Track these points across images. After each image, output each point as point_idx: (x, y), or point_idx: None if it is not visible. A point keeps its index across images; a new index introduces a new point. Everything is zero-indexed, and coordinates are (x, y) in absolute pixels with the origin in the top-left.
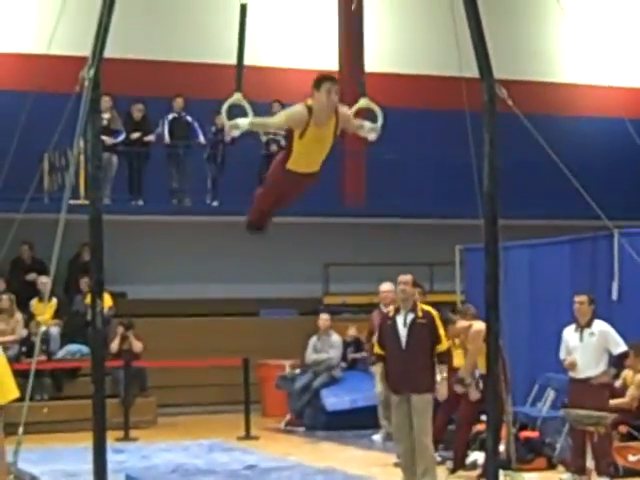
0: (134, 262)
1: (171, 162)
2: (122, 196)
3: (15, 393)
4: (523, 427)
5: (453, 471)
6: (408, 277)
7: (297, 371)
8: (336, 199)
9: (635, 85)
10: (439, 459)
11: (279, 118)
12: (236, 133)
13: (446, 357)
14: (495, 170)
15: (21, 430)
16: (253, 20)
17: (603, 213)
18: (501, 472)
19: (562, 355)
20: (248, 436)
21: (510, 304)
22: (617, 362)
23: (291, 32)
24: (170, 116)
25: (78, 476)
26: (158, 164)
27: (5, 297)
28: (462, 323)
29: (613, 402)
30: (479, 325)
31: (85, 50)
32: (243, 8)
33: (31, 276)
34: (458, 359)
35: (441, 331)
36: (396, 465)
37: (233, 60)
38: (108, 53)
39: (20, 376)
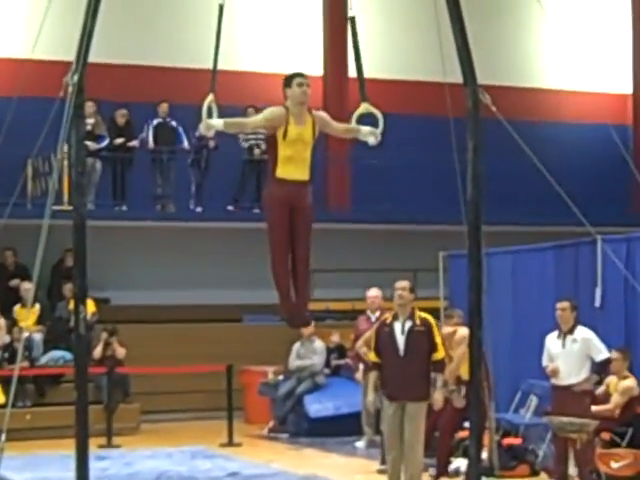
0: (118, 268)
1: (155, 168)
2: (106, 202)
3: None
4: (506, 434)
5: (436, 478)
6: (405, 283)
7: (280, 377)
8: (320, 205)
9: (618, 91)
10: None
11: (257, 118)
12: (210, 133)
13: (443, 366)
14: (479, 176)
15: (3, 437)
16: (238, 26)
17: (586, 219)
18: (484, 479)
19: (545, 362)
20: (231, 443)
21: (493, 310)
22: (599, 369)
23: (276, 38)
24: (155, 121)
25: None
26: (142, 170)
27: None
28: (446, 329)
29: (595, 408)
30: (463, 331)
31: (69, 55)
32: (221, 8)
33: (14, 282)
34: None
35: (438, 339)
36: (379, 472)
37: (219, 66)
38: (92, 58)
39: (2, 382)
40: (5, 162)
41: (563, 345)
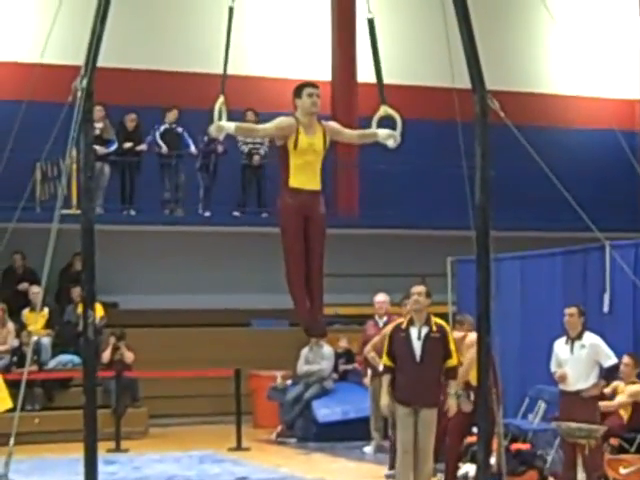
0: (126, 272)
1: (163, 172)
2: (114, 206)
3: (8, 403)
4: (514, 439)
5: None
6: (421, 288)
7: (289, 382)
8: (328, 210)
9: (626, 97)
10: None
11: (268, 125)
12: (220, 136)
13: (456, 372)
14: (487, 182)
15: (12, 441)
16: (246, 31)
17: (595, 225)
18: None
19: (553, 368)
20: (239, 447)
21: (501, 316)
22: (608, 375)
23: (285, 43)
24: (162, 127)
25: None
26: (150, 174)
27: None
28: (457, 334)
29: (602, 404)
30: (474, 336)
31: (78, 59)
32: (231, 11)
33: (22, 286)
34: None
35: (452, 346)
36: (388, 477)
37: (227, 70)
38: (101, 62)
39: (11, 386)
40: (14, 166)
41: (571, 351)
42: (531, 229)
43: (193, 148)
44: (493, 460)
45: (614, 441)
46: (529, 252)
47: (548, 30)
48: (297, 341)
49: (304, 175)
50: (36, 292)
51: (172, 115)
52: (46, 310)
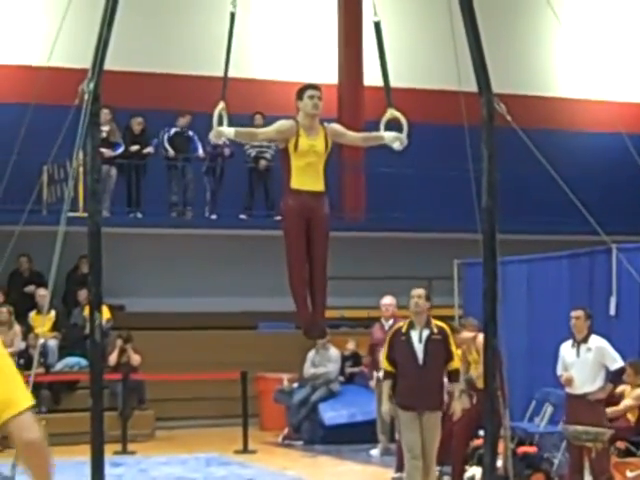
0: (133, 275)
1: (170, 175)
2: (121, 209)
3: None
4: (521, 442)
5: None
6: (421, 291)
7: (295, 385)
8: (335, 213)
9: (633, 100)
10: (436, 474)
11: (268, 129)
12: (220, 141)
13: (458, 375)
14: (494, 185)
15: None
16: (253, 34)
17: (601, 228)
18: None
19: (559, 371)
20: (246, 450)
21: (508, 319)
22: (614, 378)
23: (291, 46)
24: (172, 130)
25: None
26: (157, 177)
27: (4, 309)
28: (467, 334)
29: (609, 410)
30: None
31: (85, 62)
32: (232, 17)
33: (29, 288)
34: None
35: (454, 348)
36: None
37: (232, 73)
38: (108, 65)
39: None
40: (21, 169)
41: (577, 354)
42: (538, 232)
43: (201, 151)
44: (499, 463)
45: (621, 444)
46: (536, 255)
47: (555, 33)
48: (304, 344)
49: (306, 176)
50: (43, 294)
51: (184, 120)
52: (53, 313)
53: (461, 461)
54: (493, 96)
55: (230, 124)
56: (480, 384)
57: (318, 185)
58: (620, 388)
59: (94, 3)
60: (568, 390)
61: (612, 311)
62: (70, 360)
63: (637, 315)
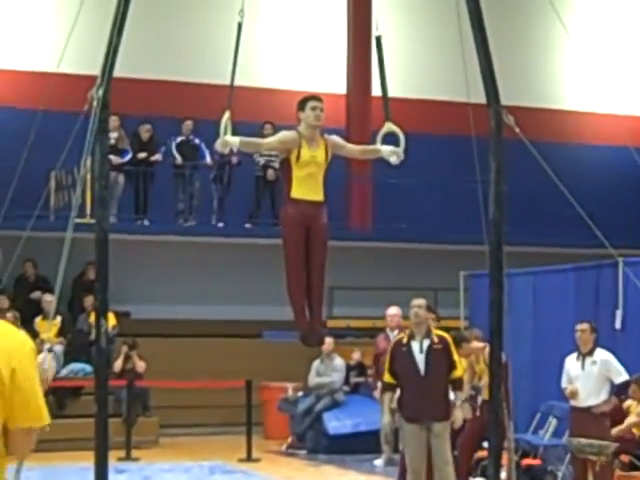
0: (139, 282)
1: (177, 183)
2: (128, 215)
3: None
4: (525, 455)
5: None
6: (421, 301)
7: (300, 394)
8: (341, 223)
9: None
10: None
11: (271, 140)
12: (226, 150)
13: (462, 383)
14: (501, 197)
15: None
16: (263, 43)
17: (608, 242)
18: None
19: (564, 383)
20: (249, 458)
21: (513, 331)
22: (619, 391)
23: (301, 55)
24: (178, 139)
25: None
26: (164, 184)
27: (9, 315)
28: (477, 343)
29: (613, 431)
30: None
31: (95, 69)
32: (239, 26)
33: (35, 294)
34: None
35: (456, 357)
36: None
37: (242, 82)
38: (117, 72)
39: None
40: (29, 175)
41: (582, 367)
42: (544, 245)
43: (208, 159)
44: (503, 475)
45: (625, 458)
46: (542, 268)
47: (563, 46)
48: (309, 353)
49: (306, 186)
50: (49, 300)
51: (187, 126)
52: (59, 318)
53: (465, 472)
54: (501, 108)
55: (239, 133)
56: (486, 395)
57: (318, 195)
58: (626, 403)
59: (104, 10)
60: (573, 403)
61: (618, 324)
62: (75, 366)
63: None
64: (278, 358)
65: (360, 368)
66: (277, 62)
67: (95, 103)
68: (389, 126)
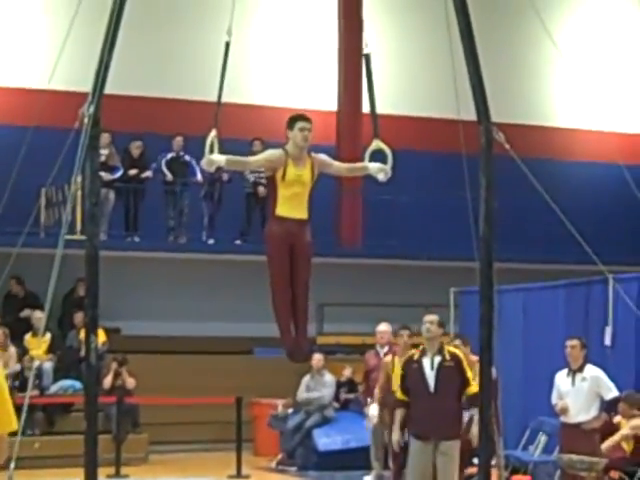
0: (129, 298)
1: (168, 199)
2: (118, 232)
3: (14, 425)
4: (515, 471)
5: None
6: (433, 317)
7: (289, 410)
8: (332, 239)
9: (631, 131)
10: None
11: (257, 158)
12: (212, 169)
13: (477, 399)
14: (491, 213)
15: (12, 465)
16: (253, 59)
17: (598, 258)
18: None
19: (554, 400)
20: (239, 475)
21: (503, 347)
22: (609, 407)
23: (292, 72)
24: (169, 155)
25: None
26: (155, 201)
27: None
28: (473, 357)
29: (603, 446)
30: None
31: (86, 86)
32: (227, 45)
33: (25, 312)
34: None
35: (469, 373)
36: None
37: (232, 99)
38: (107, 89)
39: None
40: (19, 191)
41: (572, 383)
42: (534, 261)
43: (199, 176)
44: None
45: (614, 474)
46: (532, 284)
47: (554, 63)
48: (299, 369)
49: (290, 205)
50: (39, 317)
51: (177, 142)
52: (48, 335)
53: None
54: (492, 125)
55: (229, 150)
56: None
57: (302, 213)
58: (616, 420)
59: (95, 28)
60: (563, 419)
61: (608, 341)
62: (65, 383)
63: (632, 345)
64: (269, 374)
65: (350, 385)
66: (267, 79)
67: (86, 120)
68: (377, 143)
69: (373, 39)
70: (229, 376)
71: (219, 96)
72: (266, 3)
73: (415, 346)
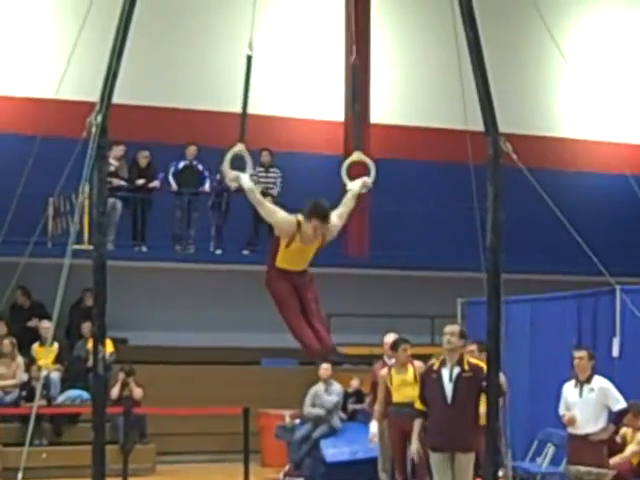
0: (136, 308)
1: (176, 209)
2: (125, 242)
3: None
4: None
5: None
6: (455, 328)
7: (297, 421)
8: (339, 250)
9: (639, 142)
10: None
11: (272, 213)
12: (233, 186)
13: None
14: (499, 224)
15: (20, 475)
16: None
17: (606, 269)
18: None
19: (561, 411)
20: None
21: (511, 358)
22: (617, 419)
23: (299, 83)
24: (181, 164)
25: None
26: (162, 211)
27: (7, 341)
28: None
29: (613, 461)
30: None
31: (93, 95)
32: (249, 59)
33: (32, 322)
34: None
35: None
36: None
37: (239, 108)
38: (115, 99)
39: (20, 421)
40: (27, 201)
41: (580, 394)
42: (542, 272)
43: (207, 186)
44: None
45: None
46: (539, 295)
47: (562, 74)
48: (307, 380)
49: (292, 261)
50: (47, 327)
51: (190, 151)
52: (56, 345)
53: None
54: (499, 135)
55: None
56: (483, 421)
57: (303, 266)
58: (622, 431)
59: (103, 36)
60: (570, 430)
61: (615, 352)
62: (72, 393)
63: None
64: (276, 385)
65: (358, 395)
66: (276, 89)
67: (94, 129)
68: (358, 155)
69: (381, 50)
70: (236, 387)
71: (243, 111)
72: (274, 14)
73: (420, 357)
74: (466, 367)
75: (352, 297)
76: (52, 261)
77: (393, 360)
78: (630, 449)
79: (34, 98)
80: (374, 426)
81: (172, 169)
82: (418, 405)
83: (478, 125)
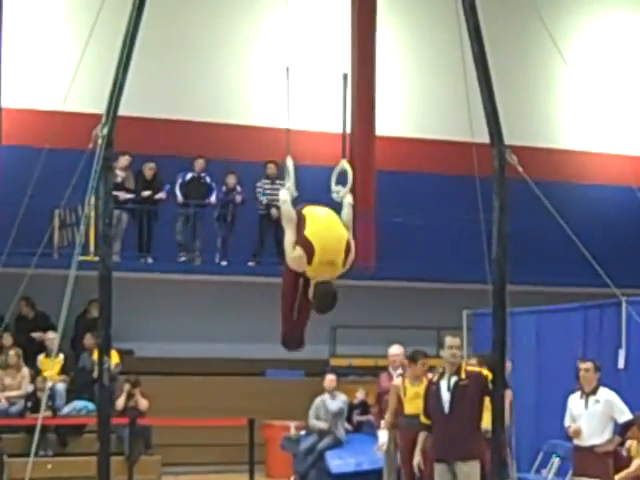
0: (142, 320)
1: (182, 221)
2: (131, 253)
3: None
4: None
5: None
6: (457, 341)
7: (302, 432)
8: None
9: None
10: None
11: (292, 244)
12: (285, 199)
13: None
14: (504, 236)
15: None
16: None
17: (611, 281)
18: None
19: (567, 422)
20: None
21: (516, 370)
22: (622, 430)
23: (304, 95)
24: (188, 176)
25: None
26: (168, 222)
27: (12, 352)
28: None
29: (619, 476)
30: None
31: (99, 107)
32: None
33: (37, 334)
34: None
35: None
36: None
37: (246, 121)
38: (121, 111)
39: (25, 431)
40: (33, 212)
41: (586, 406)
42: (547, 284)
43: (213, 198)
44: None
45: None
46: (545, 307)
47: (567, 86)
48: (312, 391)
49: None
50: (52, 338)
51: (199, 164)
52: (61, 356)
53: None
54: (505, 147)
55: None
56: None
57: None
58: (627, 443)
59: (109, 49)
60: (576, 442)
61: (621, 364)
62: (77, 404)
63: None
64: (281, 396)
65: (363, 406)
66: (280, 101)
67: (100, 141)
68: (342, 164)
69: (388, 63)
70: (241, 398)
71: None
72: (277, 25)
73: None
74: (462, 375)
75: (358, 309)
76: (58, 272)
77: (399, 371)
78: (636, 463)
79: (41, 110)
80: (384, 435)
81: (179, 180)
82: (423, 419)
83: (484, 137)
